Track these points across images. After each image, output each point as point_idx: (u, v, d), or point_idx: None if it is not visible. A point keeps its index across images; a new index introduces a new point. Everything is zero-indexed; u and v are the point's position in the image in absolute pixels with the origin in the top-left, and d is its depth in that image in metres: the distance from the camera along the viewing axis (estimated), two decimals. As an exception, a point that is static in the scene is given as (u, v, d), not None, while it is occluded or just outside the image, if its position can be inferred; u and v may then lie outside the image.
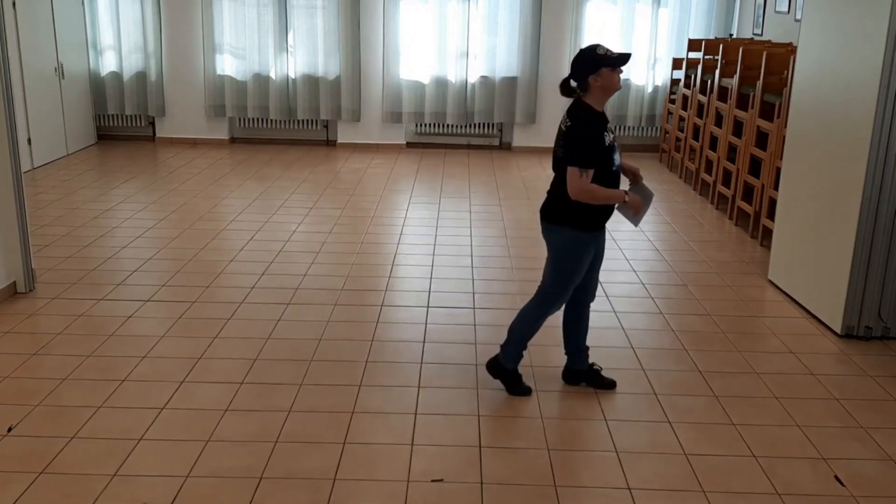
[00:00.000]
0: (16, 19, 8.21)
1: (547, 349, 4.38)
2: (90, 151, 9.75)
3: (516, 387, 3.97)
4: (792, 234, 5.33)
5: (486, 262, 5.96)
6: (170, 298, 5.13)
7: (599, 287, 5.41)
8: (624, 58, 3.57)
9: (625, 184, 3.83)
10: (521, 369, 3.99)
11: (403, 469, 3.32)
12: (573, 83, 3.65)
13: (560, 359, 4.14)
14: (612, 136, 3.67)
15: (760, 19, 9.40)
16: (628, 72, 10.02)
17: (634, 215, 3.80)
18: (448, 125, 10.33)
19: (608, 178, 3.65)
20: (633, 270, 5.85)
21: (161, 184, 8.21)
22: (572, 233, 3.71)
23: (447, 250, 6.21)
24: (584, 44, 9.79)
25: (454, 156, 10.03)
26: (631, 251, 6.26)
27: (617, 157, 3.68)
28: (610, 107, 10.00)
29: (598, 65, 3.56)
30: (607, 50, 3.59)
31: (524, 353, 3.99)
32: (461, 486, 3.21)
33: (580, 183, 3.58)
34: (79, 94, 9.74)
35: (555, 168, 3.75)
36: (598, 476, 3.31)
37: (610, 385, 4.04)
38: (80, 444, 3.44)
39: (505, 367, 3.97)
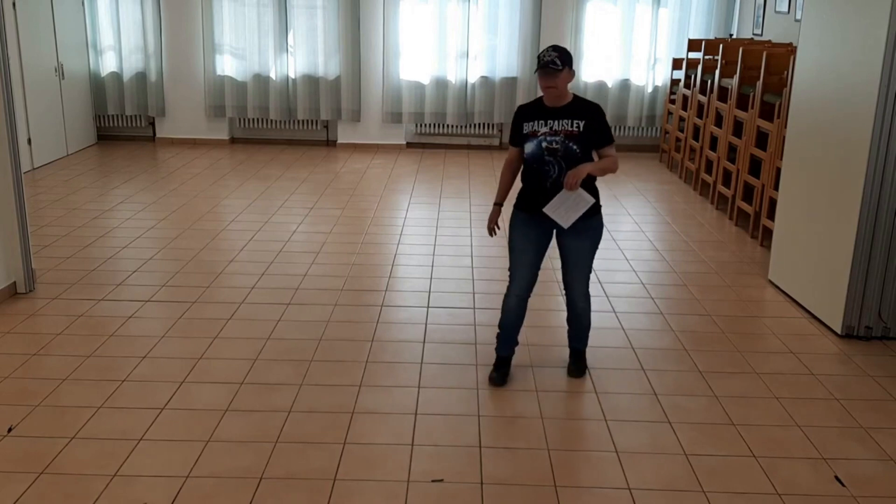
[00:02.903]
0: (16, 19, 8.21)
1: (547, 349, 4.39)
2: (90, 152, 9.75)
3: (493, 369, 4.13)
4: (792, 234, 5.33)
5: (486, 262, 5.95)
6: (170, 299, 5.13)
7: (599, 287, 5.43)
8: (538, 63, 3.71)
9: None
10: (524, 369, 3.99)
11: (403, 469, 3.32)
12: None
13: (558, 359, 4.15)
14: (539, 127, 3.78)
15: (760, 19, 9.40)
16: (628, 72, 10.03)
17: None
18: (448, 125, 10.33)
19: (525, 164, 3.90)
20: (633, 270, 5.85)
21: (161, 184, 8.22)
22: (513, 209, 4.01)
23: (447, 250, 6.21)
24: (584, 44, 9.89)
25: (454, 156, 10.03)
26: (631, 251, 6.26)
27: (530, 147, 3.80)
28: (609, 106, 10.03)
29: None
30: (542, 56, 3.72)
31: (513, 345, 4.13)
32: (461, 486, 3.21)
33: (506, 156, 4.04)
34: (79, 95, 9.74)
35: None
36: (598, 476, 3.31)
37: (569, 372, 4.14)
38: (80, 445, 3.44)
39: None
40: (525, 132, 3.84)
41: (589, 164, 3.76)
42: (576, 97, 3.85)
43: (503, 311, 4.06)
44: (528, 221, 3.91)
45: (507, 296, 4.04)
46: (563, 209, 3.78)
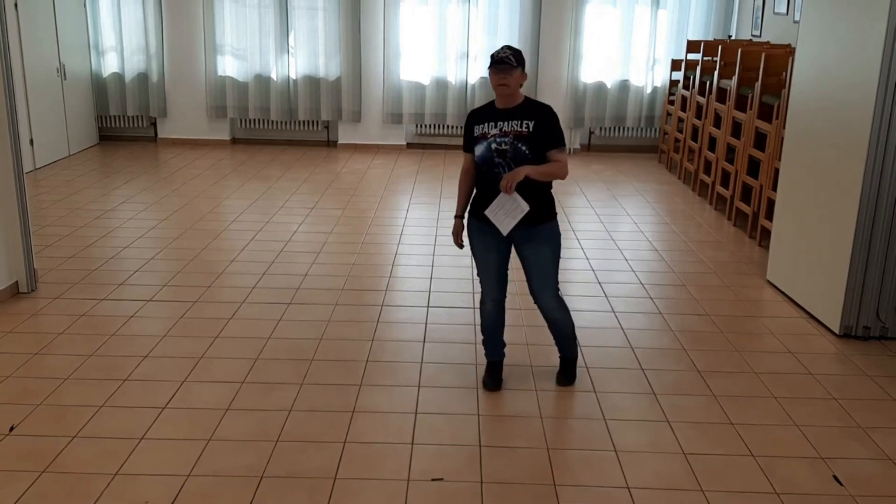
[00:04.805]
0: (18, 20, 8.23)
1: (547, 349, 4.40)
2: (92, 152, 9.77)
3: (486, 375, 4.09)
4: (790, 234, 5.35)
5: (486, 262, 5.96)
6: (171, 298, 5.15)
7: (599, 287, 5.45)
8: (492, 59, 3.68)
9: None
10: (523, 368, 4.00)
11: (403, 469, 3.33)
12: None
13: (558, 359, 4.16)
14: (489, 129, 3.71)
15: (759, 21, 9.41)
16: (627, 73, 10.04)
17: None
18: (448, 126, 10.35)
19: (476, 168, 3.82)
20: (633, 270, 5.86)
21: (162, 184, 8.23)
22: (468, 217, 3.96)
23: (447, 250, 6.22)
24: (584, 45, 9.90)
25: (454, 156, 10.04)
26: (630, 251, 6.27)
27: (480, 149, 3.73)
28: (609, 107, 10.05)
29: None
30: (496, 53, 3.67)
31: (500, 349, 4.09)
32: (461, 485, 3.23)
33: (462, 165, 3.94)
34: (81, 95, 9.76)
35: None
36: (597, 476, 3.33)
37: (557, 380, 4.12)
38: (81, 444, 3.46)
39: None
40: (475, 135, 3.75)
41: (528, 166, 3.65)
42: (527, 99, 3.77)
43: (482, 317, 4.03)
44: (484, 228, 3.83)
45: (482, 302, 3.99)
46: (502, 213, 3.71)
